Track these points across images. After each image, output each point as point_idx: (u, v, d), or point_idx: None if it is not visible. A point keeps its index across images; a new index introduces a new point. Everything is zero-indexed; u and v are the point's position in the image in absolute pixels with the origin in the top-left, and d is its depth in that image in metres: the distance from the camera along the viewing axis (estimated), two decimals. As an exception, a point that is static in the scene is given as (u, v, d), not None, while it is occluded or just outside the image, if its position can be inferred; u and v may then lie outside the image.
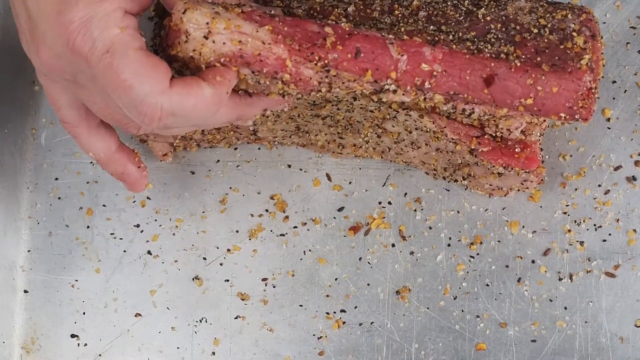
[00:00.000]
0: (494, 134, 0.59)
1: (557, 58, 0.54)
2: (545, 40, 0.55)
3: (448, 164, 0.63)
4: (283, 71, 0.52)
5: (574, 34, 0.55)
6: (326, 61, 0.52)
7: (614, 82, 0.66)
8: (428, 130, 0.59)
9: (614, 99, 0.66)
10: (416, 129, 0.60)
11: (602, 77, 0.67)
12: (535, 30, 0.55)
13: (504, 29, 0.55)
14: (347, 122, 0.62)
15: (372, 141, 0.64)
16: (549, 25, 0.55)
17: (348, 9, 0.57)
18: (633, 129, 0.66)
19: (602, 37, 0.56)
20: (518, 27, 0.55)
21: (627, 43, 0.67)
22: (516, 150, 0.59)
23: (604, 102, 0.66)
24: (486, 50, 0.54)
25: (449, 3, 0.57)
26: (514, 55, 0.54)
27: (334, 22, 0.53)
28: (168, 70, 0.52)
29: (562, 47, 0.55)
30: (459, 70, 0.54)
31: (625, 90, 0.66)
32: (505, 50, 0.54)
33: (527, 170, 0.60)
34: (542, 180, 0.64)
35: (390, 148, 0.64)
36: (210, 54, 0.51)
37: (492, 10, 0.56)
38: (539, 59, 0.54)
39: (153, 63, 0.51)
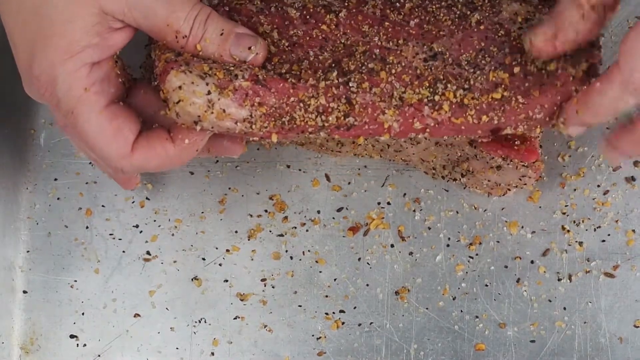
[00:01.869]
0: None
1: (546, 77, 0.54)
2: (536, 62, 0.54)
3: (447, 160, 0.63)
4: (269, 138, 0.53)
5: None
6: (315, 136, 0.54)
7: None
8: None
9: (613, 99, 0.66)
10: None
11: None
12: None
13: (495, 49, 0.55)
14: None
15: (370, 138, 0.64)
16: None
17: (340, 14, 0.56)
18: (632, 129, 0.66)
19: (599, 49, 0.56)
20: (510, 47, 0.55)
21: (626, 43, 0.67)
22: (516, 143, 0.59)
23: (603, 103, 0.66)
24: (477, 88, 0.54)
25: (442, 3, 0.56)
26: (503, 87, 0.54)
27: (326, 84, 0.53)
28: (132, 131, 0.53)
29: (551, 63, 0.54)
30: (452, 129, 0.54)
31: (624, 91, 0.66)
32: (495, 77, 0.54)
33: (526, 164, 0.60)
34: (540, 176, 0.64)
35: (389, 145, 0.63)
36: (197, 129, 0.53)
37: (487, 14, 0.55)
38: (527, 84, 0.54)
39: (115, 128, 0.52)
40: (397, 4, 0.56)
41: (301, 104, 0.53)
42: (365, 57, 0.54)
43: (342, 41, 0.55)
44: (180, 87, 0.51)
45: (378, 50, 0.55)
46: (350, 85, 0.53)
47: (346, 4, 0.56)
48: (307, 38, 0.55)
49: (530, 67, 0.54)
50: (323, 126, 0.53)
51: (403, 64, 0.54)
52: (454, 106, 0.53)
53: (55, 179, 0.68)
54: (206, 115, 0.51)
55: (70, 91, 0.52)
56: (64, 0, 0.50)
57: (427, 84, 0.54)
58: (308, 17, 0.56)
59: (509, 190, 0.65)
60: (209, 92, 0.51)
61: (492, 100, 0.53)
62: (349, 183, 0.67)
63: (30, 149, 0.69)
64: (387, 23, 0.55)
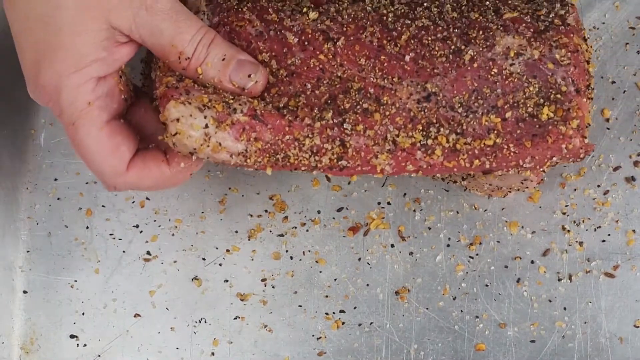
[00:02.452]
0: None
1: (537, 126, 0.54)
2: (528, 107, 0.55)
3: None
4: (263, 170, 0.54)
5: (559, 87, 0.55)
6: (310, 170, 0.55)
7: (613, 82, 0.66)
8: None
9: (613, 99, 0.66)
10: None
11: (602, 77, 0.67)
12: (520, 88, 0.55)
13: (488, 90, 0.55)
14: None
15: None
16: (535, 76, 0.55)
17: (338, 42, 0.56)
18: (632, 129, 0.66)
19: (591, 90, 0.56)
20: (502, 86, 0.55)
21: (626, 43, 0.67)
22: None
23: (603, 103, 0.66)
24: (469, 134, 0.54)
25: (438, 35, 0.56)
26: (495, 133, 0.54)
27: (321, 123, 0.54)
28: (129, 150, 0.53)
29: (543, 109, 0.54)
30: (444, 170, 0.55)
31: (625, 91, 0.66)
32: (487, 121, 0.54)
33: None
34: (542, 180, 0.64)
35: None
36: (191, 154, 0.53)
37: (481, 49, 0.55)
38: (519, 132, 0.54)
39: (113, 145, 0.52)
40: (394, 32, 0.56)
41: (296, 143, 0.54)
42: (360, 96, 0.55)
43: (339, 74, 0.55)
44: (178, 120, 0.52)
45: (373, 90, 0.55)
46: (345, 126, 0.54)
47: (344, 29, 0.56)
48: (305, 68, 0.55)
49: (522, 110, 0.54)
50: (316, 166, 0.54)
51: (397, 105, 0.55)
52: (446, 151, 0.54)
53: (56, 179, 0.68)
54: (202, 148, 0.52)
55: (74, 104, 0.52)
56: (73, 12, 0.50)
57: (421, 127, 0.55)
58: (306, 43, 0.55)
59: (510, 192, 0.65)
60: (206, 126, 0.52)
61: (484, 146, 0.54)
62: (349, 183, 0.67)
63: (30, 149, 0.69)
64: (382, 57, 0.55)
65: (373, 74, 0.55)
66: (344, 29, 0.56)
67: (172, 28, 0.52)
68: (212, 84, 0.53)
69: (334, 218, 0.67)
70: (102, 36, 0.51)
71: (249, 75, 0.53)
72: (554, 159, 0.55)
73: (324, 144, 0.54)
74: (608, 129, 0.66)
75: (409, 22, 0.56)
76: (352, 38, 0.56)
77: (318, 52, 0.55)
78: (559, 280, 0.65)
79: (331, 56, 0.55)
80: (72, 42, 0.51)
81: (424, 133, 0.54)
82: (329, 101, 0.55)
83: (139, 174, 0.54)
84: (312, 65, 0.55)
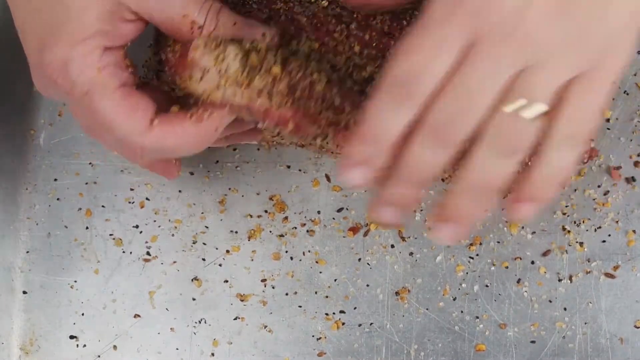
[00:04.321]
0: None
1: None
2: None
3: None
4: (284, 126, 0.52)
5: None
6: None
7: (613, 82, 0.66)
8: None
9: (613, 99, 0.66)
10: None
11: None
12: None
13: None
14: None
15: None
16: None
17: (351, 25, 0.56)
18: (632, 129, 0.66)
19: None
20: None
21: (627, 43, 0.67)
22: None
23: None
24: None
25: None
26: None
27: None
28: (148, 109, 0.52)
29: None
30: None
31: (625, 91, 0.66)
32: None
33: None
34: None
35: None
36: (218, 99, 0.51)
37: None
38: None
39: (131, 104, 0.52)
40: (404, 21, 0.56)
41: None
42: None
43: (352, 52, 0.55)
44: (205, 51, 0.51)
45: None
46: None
47: (355, 15, 0.56)
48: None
49: None
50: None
51: None
52: None
53: (55, 180, 0.68)
54: (228, 80, 0.51)
55: (84, 72, 0.52)
56: None
57: None
58: (319, 25, 0.56)
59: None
60: (235, 56, 0.51)
61: None
62: (349, 183, 0.67)
63: (30, 149, 0.69)
64: (392, 42, 0.56)
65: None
66: (355, 15, 0.56)
67: None
68: None
69: (334, 218, 0.67)
70: (108, 10, 0.51)
71: (263, 34, 0.53)
72: None
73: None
74: (608, 129, 0.66)
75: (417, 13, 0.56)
76: (363, 23, 0.56)
77: (332, 32, 0.55)
78: (559, 280, 0.65)
79: (344, 37, 0.55)
80: (77, 16, 0.51)
81: None
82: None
83: (163, 131, 0.53)
84: (325, 43, 0.55)
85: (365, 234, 0.66)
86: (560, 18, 0.46)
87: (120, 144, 0.53)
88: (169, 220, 0.67)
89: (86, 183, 0.68)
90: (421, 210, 0.66)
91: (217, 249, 0.67)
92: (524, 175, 0.49)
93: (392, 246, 0.66)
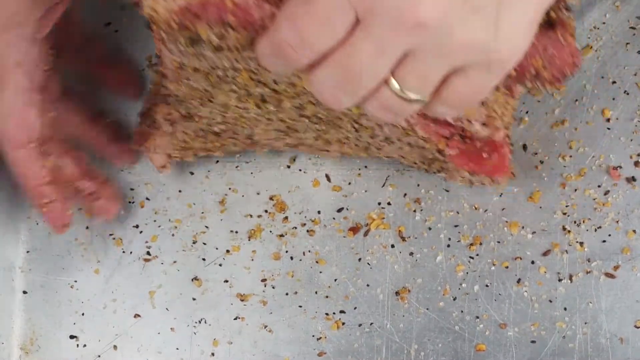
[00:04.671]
0: (462, 133, 0.58)
1: None
2: None
3: (422, 157, 0.63)
4: (225, 12, 0.48)
5: None
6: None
7: (614, 82, 0.66)
8: (398, 126, 0.59)
9: (613, 99, 0.66)
10: (387, 124, 0.60)
11: (602, 77, 0.67)
12: None
13: None
14: (328, 118, 0.61)
15: (352, 136, 0.63)
16: None
17: None
18: (633, 129, 0.66)
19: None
20: None
21: (627, 43, 0.67)
22: (484, 156, 0.59)
23: (604, 103, 0.66)
24: None
25: None
26: None
27: None
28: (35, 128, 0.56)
29: None
30: None
31: (625, 91, 0.66)
32: None
33: (494, 179, 0.61)
34: (512, 174, 0.64)
35: (370, 143, 0.63)
36: (165, 13, 0.48)
37: None
38: None
39: (26, 112, 0.55)
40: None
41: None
42: None
43: None
44: None
45: None
46: None
47: None
48: None
49: None
50: None
51: None
52: None
53: (55, 179, 0.68)
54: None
55: (3, 60, 0.53)
56: None
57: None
58: None
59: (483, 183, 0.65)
60: None
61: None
62: (349, 183, 0.67)
63: (30, 149, 0.69)
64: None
65: None
66: None
67: None
68: None
69: (334, 218, 0.66)
70: None
71: None
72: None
73: None
74: (609, 129, 0.66)
75: None
76: None
77: None
78: (560, 280, 0.65)
79: None
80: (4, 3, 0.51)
81: None
82: None
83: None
84: None
85: (366, 234, 0.66)
86: (450, 10, 0.44)
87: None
88: (169, 220, 0.67)
89: (86, 183, 0.68)
90: (421, 211, 0.66)
91: (217, 248, 0.67)
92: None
93: (392, 246, 0.66)
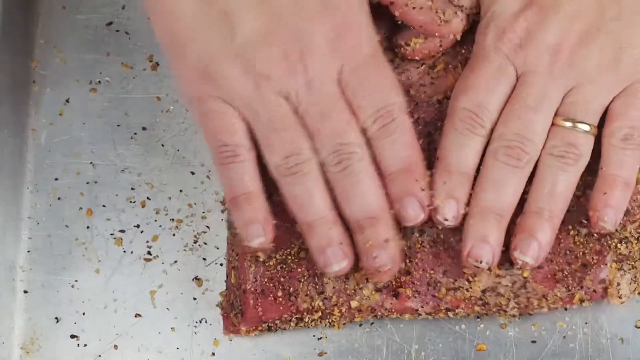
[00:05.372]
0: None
1: None
2: None
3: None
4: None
5: None
6: None
7: None
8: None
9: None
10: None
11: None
12: None
13: None
14: None
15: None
16: None
17: None
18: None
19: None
20: None
21: (628, 44, 0.67)
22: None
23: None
24: None
25: None
26: None
27: None
28: None
29: None
30: None
31: (626, 91, 0.66)
32: None
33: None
34: None
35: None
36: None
37: None
38: None
39: None
40: None
41: None
42: None
43: None
44: None
45: None
46: None
47: None
48: None
49: None
50: None
51: None
52: None
53: (56, 179, 0.68)
54: None
55: (372, 35, 0.57)
56: None
57: None
58: None
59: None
60: None
61: None
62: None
63: (31, 148, 0.69)
64: None
65: None
66: None
67: None
68: (412, 11, 0.59)
69: (334, 218, 0.66)
70: None
71: (456, 12, 0.59)
72: None
73: None
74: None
75: None
76: None
77: None
78: (560, 280, 0.65)
79: None
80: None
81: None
82: None
83: None
84: None
85: (366, 234, 0.66)
86: (592, 46, 0.56)
87: None
88: (170, 220, 0.67)
89: (87, 182, 0.68)
90: (422, 210, 0.66)
91: (218, 248, 0.67)
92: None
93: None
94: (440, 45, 0.60)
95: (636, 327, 0.64)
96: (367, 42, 0.57)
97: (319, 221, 0.57)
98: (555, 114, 0.57)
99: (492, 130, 0.57)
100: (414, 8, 0.57)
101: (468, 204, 0.58)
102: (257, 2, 0.55)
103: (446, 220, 0.58)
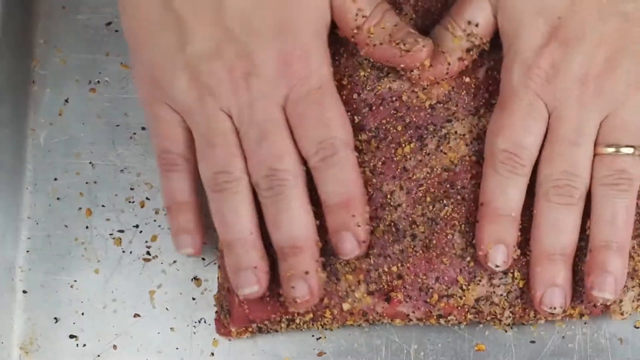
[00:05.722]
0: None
1: None
2: None
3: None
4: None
5: None
6: None
7: None
8: None
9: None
10: None
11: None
12: None
13: None
14: None
15: None
16: None
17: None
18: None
19: None
20: None
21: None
22: None
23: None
24: None
25: None
26: None
27: None
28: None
29: None
30: None
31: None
32: None
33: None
34: None
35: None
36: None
37: None
38: None
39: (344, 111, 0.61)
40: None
41: None
42: None
43: None
44: None
45: None
46: None
47: None
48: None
49: None
50: None
51: None
52: None
53: (55, 179, 0.68)
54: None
55: (322, 67, 0.57)
56: None
57: None
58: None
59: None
60: None
61: None
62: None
63: (30, 148, 0.69)
64: None
65: None
66: None
67: None
68: (374, 48, 0.57)
69: (334, 218, 0.66)
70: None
71: (417, 40, 0.57)
72: None
73: None
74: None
75: None
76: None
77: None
78: (559, 280, 0.64)
79: None
80: (315, 11, 0.56)
81: None
82: None
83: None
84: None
85: (366, 234, 0.66)
86: (619, 70, 0.55)
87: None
88: (170, 220, 0.67)
89: (86, 182, 0.68)
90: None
91: (217, 248, 0.66)
92: None
93: (392, 246, 0.66)
94: (447, 72, 0.60)
95: (635, 327, 0.64)
96: (317, 73, 0.57)
97: (238, 242, 0.58)
98: (596, 143, 0.57)
99: (532, 168, 0.57)
100: (374, 45, 0.57)
101: (517, 246, 0.59)
102: (213, 13, 0.55)
103: (497, 266, 0.58)
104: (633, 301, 0.60)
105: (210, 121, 0.57)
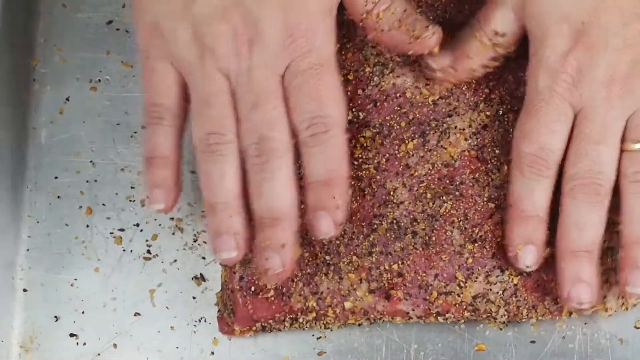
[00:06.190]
0: None
1: None
2: None
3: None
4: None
5: None
6: None
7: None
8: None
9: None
10: None
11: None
12: None
13: None
14: None
15: None
16: None
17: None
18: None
19: None
20: None
21: (628, 44, 0.67)
22: None
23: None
24: None
25: None
26: None
27: None
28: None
29: None
30: None
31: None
32: None
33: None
34: None
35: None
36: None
37: None
38: None
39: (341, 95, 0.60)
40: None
41: None
42: None
43: None
44: None
45: None
46: None
47: None
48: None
49: None
50: None
51: None
52: None
53: (56, 178, 0.68)
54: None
55: (327, 45, 0.56)
56: None
57: None
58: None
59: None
60: None
61: None
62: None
63: (31, 147, 0.69)
64: None
65: None
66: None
67: None
68: (382, 34, 0.58)
69: (334, 218, 0.66)
70: None
71: (427, 27, 0.57)
72: None
73: None
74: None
75: None
76: None
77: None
78: (560, 280, 0.64)
79: None
80: None
81: None
82: None
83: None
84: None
85: (366, 234, 0.66)
86: None
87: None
88: (170, 219, 0.67)
89: (87, 181, 0.68)
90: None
91: (217, 247, 0.66)
92: None
93: (393, 246, 0.66)
94: (470, 78, 0.60)
95: (635, 327, 0.64)
96: (320, 49, 0.57)
97: (222, 205, 0.57)
98: (623, 140, 0.57)
99: (558, 169, 0.58)
100: (382, 30, 0.57)
101: (546, 245, 0.59)
102: None
103: (527, 267, 0.58)
104: (618, 298, 0.60)
105: (209, 81, 0.57)
